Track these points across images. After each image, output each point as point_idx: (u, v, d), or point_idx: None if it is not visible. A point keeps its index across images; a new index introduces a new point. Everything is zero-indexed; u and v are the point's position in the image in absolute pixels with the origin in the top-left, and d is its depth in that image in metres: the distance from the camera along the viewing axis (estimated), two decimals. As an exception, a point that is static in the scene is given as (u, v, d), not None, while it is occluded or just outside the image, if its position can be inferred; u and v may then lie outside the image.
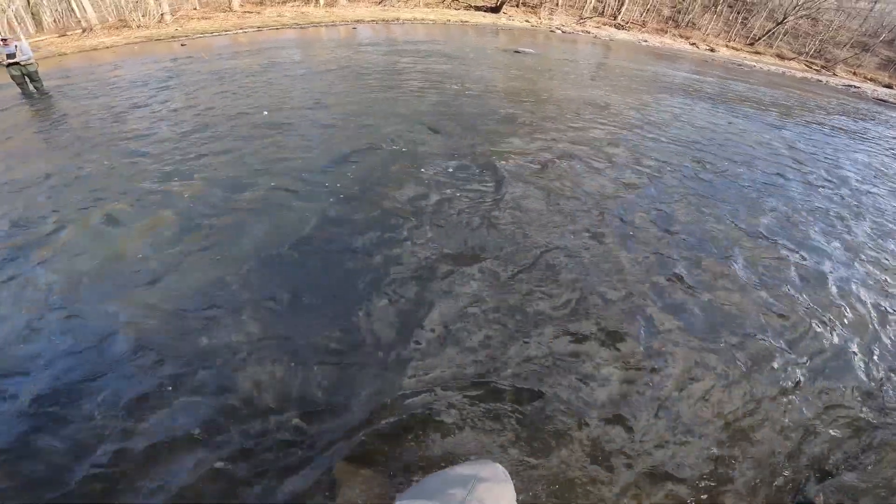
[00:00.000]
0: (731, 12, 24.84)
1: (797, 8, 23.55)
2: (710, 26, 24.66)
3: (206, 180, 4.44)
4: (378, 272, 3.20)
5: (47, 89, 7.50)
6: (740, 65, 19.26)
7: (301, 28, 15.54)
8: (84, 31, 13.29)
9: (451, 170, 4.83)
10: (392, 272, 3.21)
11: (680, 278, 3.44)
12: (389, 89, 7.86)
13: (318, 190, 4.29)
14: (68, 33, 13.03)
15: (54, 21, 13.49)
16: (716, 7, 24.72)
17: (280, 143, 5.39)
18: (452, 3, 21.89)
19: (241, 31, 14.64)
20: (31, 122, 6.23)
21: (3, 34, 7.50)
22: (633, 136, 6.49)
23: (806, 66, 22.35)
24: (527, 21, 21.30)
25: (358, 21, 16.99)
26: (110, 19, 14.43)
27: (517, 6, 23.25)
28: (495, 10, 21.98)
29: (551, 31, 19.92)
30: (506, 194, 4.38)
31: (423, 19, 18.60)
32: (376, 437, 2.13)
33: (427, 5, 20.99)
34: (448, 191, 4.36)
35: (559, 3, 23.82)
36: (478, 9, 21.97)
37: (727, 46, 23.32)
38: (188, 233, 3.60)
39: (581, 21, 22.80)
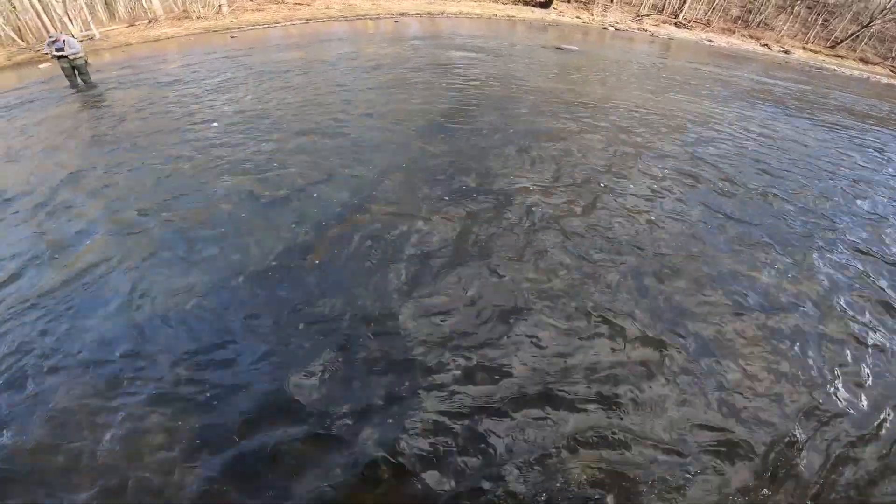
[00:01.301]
0: (811, 13, 22.47)
1: (885, 11, 20.92)
2: (784, 27, 22.45)
3: (258, 180, 4.50)
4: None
5: (94, 82, 8.07)
6: (819, 69, 17.36)
7: (347, 20, 15.79)
8: (150, 21, 14.25)
9: (458, 195, 4.61)
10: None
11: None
12: (427, 88, 7.74)
13: (362, 184, 4.25)
14: (136, 23, 14.02)
15: (127, 11, 14.58)
16: (792, 8, 22.47)
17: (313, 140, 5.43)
18: (500, -2, 21.40)
19: (290, 22, 15.12)
20: (72, 114, 6.71)
21: (52, 32, 8.07)
22: (702, 153, 5.95)
23: (892, 71, 19.80)
24: (578, 17, 20.41)
25: (402, 14, 17.02)
26: (175, 10, 15.38)
27: (568, 1, 22.34)
28: (544, 5, 21.24)
29: (603, 28, 18.96)
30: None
31: (468, 13, 18.33)
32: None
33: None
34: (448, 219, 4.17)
35: (614, 0, 22.63)
36: (526, 4, 21.33)
37: (804, 48, 21.13)
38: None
39: (638, 18, 21.52)
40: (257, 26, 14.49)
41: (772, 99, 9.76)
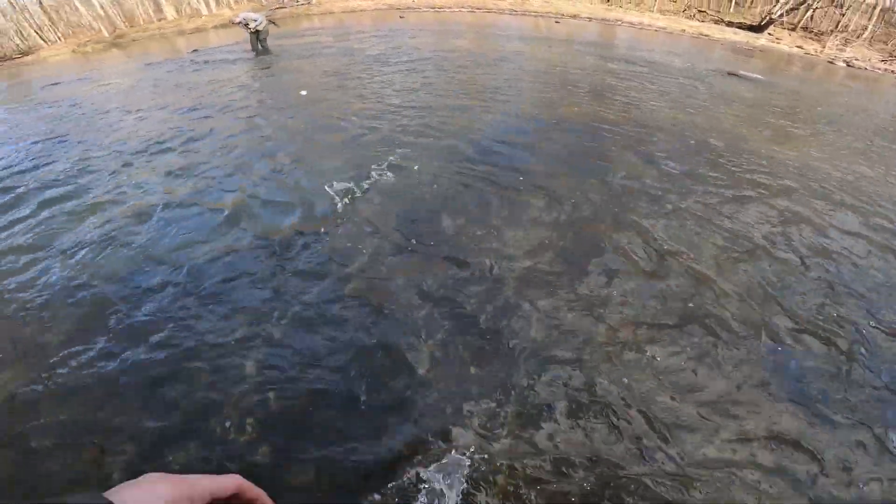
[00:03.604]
0: None
1: None
2: None
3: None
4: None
5: (270, 48, 9.58)
6: None
7: (516, 14, 15.59)
8: (351, -8, 16.37)
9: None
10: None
11: None
12: (571, 102, 6.95)
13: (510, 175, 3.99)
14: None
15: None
16: None
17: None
18: (697, 13, 18.42)
19: (461, 9, 15.64)
20: (250, 72, 7.96)
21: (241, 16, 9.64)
22: None
23: None
24: (799, 47, 16.25)
25: (574, 16, 16.00)
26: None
27: (793, 29, 17.96)
28: (757, 28, 17.49)
29: (830, 62, 14.69)
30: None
31: (650, 25, 16.26)
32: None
33: (663, 11, 18.23)
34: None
35: (862, 35, 17.32)
36: (730, 24, 17.90)
37: None
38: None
39: (891, 59, 16.08)
40: (431, 8, 15.37)
41: None
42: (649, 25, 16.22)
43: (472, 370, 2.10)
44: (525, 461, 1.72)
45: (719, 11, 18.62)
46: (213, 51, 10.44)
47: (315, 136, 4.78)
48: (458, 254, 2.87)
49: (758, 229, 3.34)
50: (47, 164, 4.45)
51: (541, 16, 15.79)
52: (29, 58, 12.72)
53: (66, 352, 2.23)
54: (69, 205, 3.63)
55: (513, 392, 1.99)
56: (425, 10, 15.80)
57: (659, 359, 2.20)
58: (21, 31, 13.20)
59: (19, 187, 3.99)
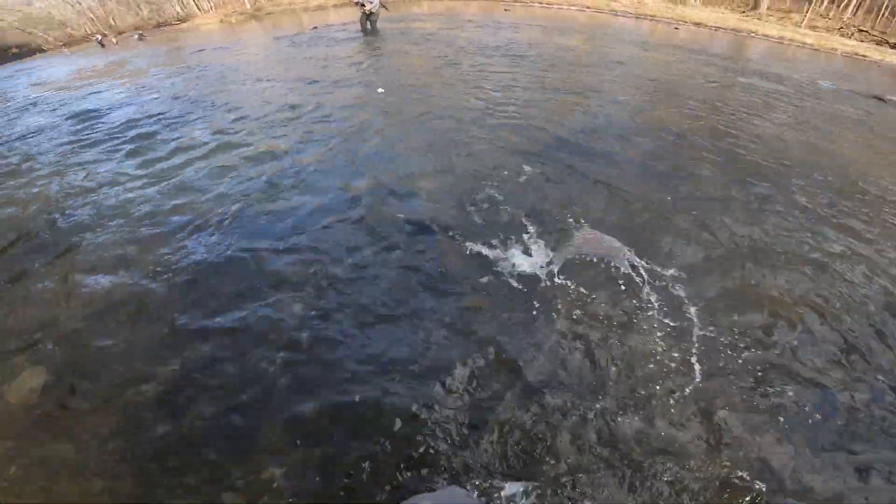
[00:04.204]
0: None
1: None
2: None
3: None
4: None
5: (379, 30, 10.06)
6: None
7: (632, 17, 14.62)
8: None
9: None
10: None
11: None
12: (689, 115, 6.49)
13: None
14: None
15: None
16: None
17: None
18: (857, 32, 15.66)
19: (571, 6, 15.05)
20: (364, 50, 8.54)
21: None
22: None
23: None
24: None
25: (698, 24, 14.54)
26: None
27: None
28: (935, 54, 14.39)
29: None
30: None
31: (791, 40, 14.21)
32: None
33: (813, 26, 15.79)
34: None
35: None
36: (894, 46, 14.97)
37: None
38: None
39: None
40: (539, 3, 15.01)
41: None
42: (791, 41, 14.18)
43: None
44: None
45: (885, 32, 15.66)
46: (330, 28, 11.30)
47: (420, 124, 5.01)
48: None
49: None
50: (189, 121, 5.24)
51: (659, 20, 14.60)
52: (185, 24, 14.82)
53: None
54: (199, 152, 4.29)
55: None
56: (533, 4, 15.46)
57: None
58: (182, 0, 15.42)
59: (159, 135, 4.79)
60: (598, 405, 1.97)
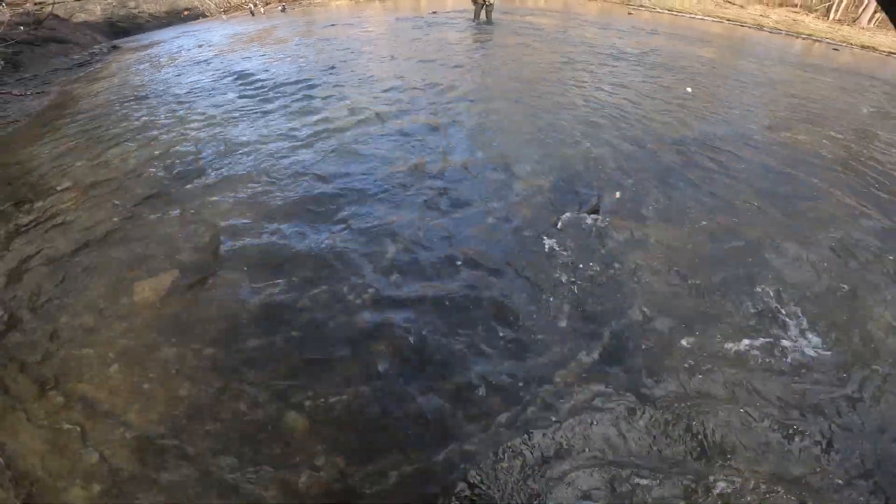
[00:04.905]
0: None
1: None
2: None
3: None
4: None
5: (494, 20, 9.99)
6: None
7: (780, 34, 12.81)
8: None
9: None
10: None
11: None
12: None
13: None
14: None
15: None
16: None
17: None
18: None
19: (705, 17, 13.65)
20: (478, 39, 8.61)
21: None
22: None
23: None
24: None
25: (866, 47, 12.27)
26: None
27: None
28: None
29: None
30: None
31: None
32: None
33: None
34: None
35: None
36: None
37: None
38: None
39: None
40: (667, 10, 13.85)
41: None
42: None
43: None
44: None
45: None
46: (446, 14, 11.60)
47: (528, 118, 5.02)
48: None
49: None
50: (313, 85, 5.81)
51: (816, 39, 12.60)
52: (319, 0, 16.26)
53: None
54: (316, 110, 4.80)
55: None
56: (660, 10, 14.28)
57: None
58: (318, -22, 16.88)
59: (289, 93, 5.43)
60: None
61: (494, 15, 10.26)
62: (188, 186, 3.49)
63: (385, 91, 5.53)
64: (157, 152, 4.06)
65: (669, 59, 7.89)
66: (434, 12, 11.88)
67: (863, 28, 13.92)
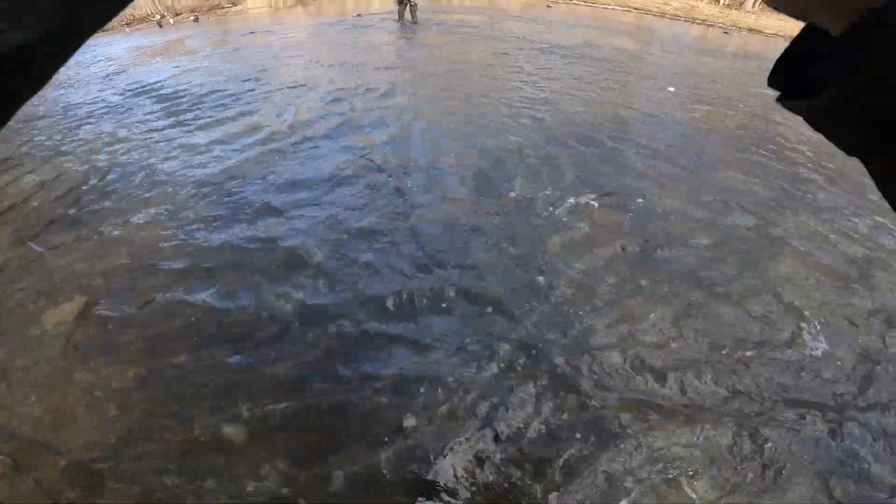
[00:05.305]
0: None
1: None
2: None
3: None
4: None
5: (419, 20, 10.05)
6: None
7: (681, 21, 14.07)
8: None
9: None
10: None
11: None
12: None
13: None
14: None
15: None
16: None
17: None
18: None
19: (616, 7, 14.65)
20: (408, 38, 8.73)
21: None
22: None
23: None
24: None
25: (753, 30, 13.83)
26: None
27: None
28: None
29: None
30: None
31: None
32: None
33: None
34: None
35: None
36: None
37: None
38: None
39: None
40: (582, 1, 14.68)
41: None
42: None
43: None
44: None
45: None
46: (372, 16, 11.46)
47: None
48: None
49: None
50: (232, 95, 5.51)
51: (710, 24, 13.99)
52: (235, 8, 15.39)
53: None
54: (240, 120, 4.53)
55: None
56: (576, 2, 15.14)
57: None
58: (234, -15, 16.00)
59: (204, 106, 5.08)
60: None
61: (419, 14, 10.31)
62: (92, 209, 3.21)
63: (311, 97, 5.37)
64: (55, 175, 3.68)
65: (590, 50, 8.39)
66: (359, 15, 11.69)
67: (748, 11, 15.67)
